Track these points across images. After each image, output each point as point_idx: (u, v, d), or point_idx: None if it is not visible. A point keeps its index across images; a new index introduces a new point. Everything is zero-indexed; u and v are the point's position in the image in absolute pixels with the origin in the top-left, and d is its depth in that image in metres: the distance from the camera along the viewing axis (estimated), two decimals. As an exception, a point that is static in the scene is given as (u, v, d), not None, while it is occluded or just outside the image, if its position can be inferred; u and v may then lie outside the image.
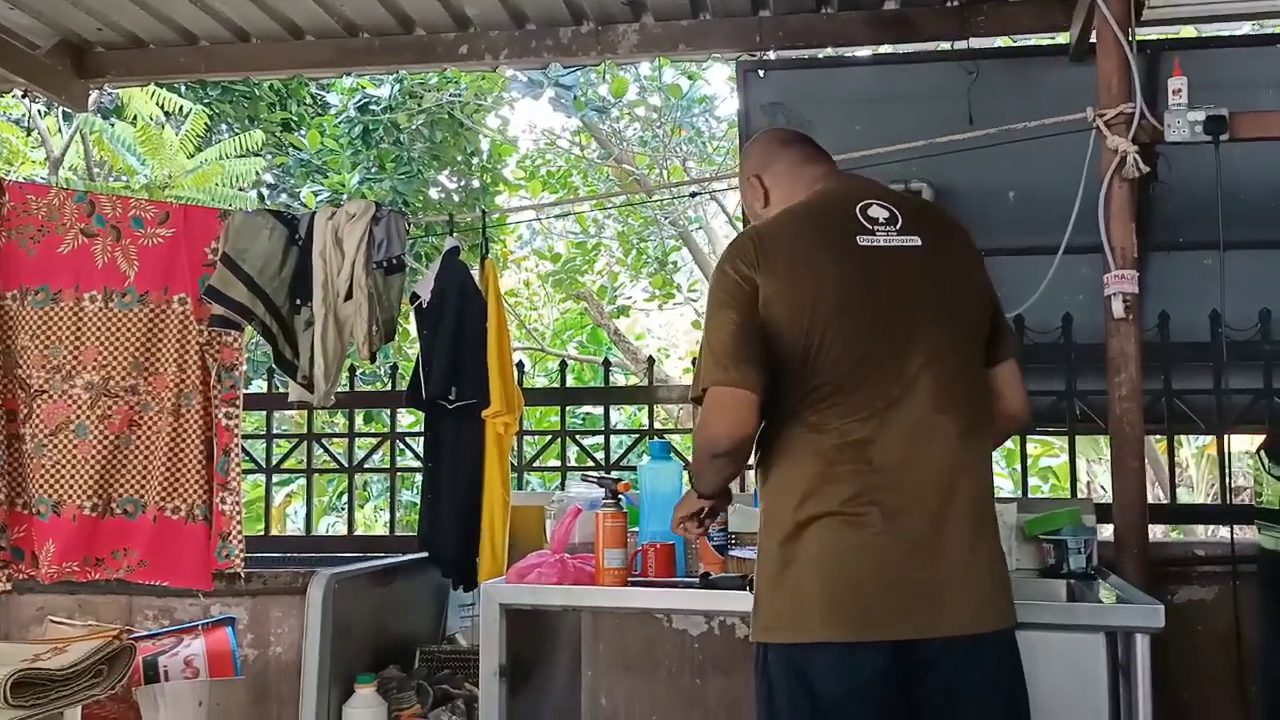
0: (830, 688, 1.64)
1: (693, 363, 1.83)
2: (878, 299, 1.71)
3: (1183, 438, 7.42)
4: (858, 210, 1.77)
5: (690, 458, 1.88)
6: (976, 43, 3.54)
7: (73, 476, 3.12)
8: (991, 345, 1.83)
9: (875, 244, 1.74)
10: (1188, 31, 3.84)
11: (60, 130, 8.57)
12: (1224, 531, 3.11)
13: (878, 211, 1.77)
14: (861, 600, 1.64)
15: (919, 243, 1.76)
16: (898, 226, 1.76)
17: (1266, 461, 2.78)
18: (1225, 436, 3.40)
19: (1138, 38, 2.84)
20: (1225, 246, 2.81)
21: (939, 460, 1.68)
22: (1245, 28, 4.77)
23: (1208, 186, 2.77)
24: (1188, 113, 2.72)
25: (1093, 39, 2.93)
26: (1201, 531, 5.93)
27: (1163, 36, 3.50)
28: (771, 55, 3.74)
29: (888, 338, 1.70)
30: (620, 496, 2.35)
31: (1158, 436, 3.97)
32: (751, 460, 1.84)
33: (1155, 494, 7.49)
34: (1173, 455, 3.58)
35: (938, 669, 1.65)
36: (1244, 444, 4.87)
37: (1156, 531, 5.90)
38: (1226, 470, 3.49)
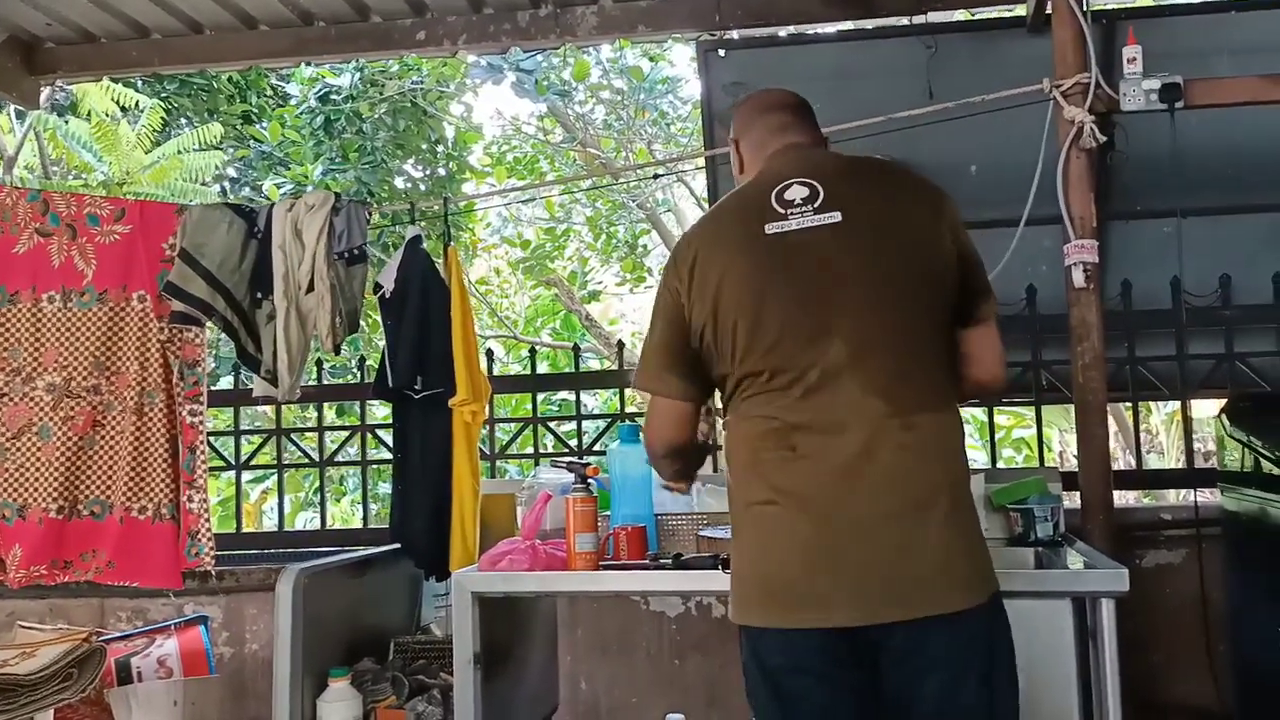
0: (780, 666, 1.67)
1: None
2: (786, 289, 1.68)
3: (1152, 404, 7.52)
4: (774, 194, 1.73)
5: None
6: (935, 17, 3.55)
7: (37, 479, 3.08)
8: (961, 307, 1.75)
9: (783, 229, 1.70)
10: (1143, 1, 3.86)
11: (13, 129, 8.42)
12: (1193, 496, 3.15)
13: (795, 192, 1.72)
14: (791, 588, 1.64)
15: (838, 218, 1.69)
16: (816, 204, 1.70)
17: (1228, 425, 2.82)
18: (1188, 402, 3.44)
19: (1092, 8, 2.85)
20: (1183, 214, 2.85)
21: (873, 445, 1.62)
22: (1201, -4, 4.79)
23: (1165, 154, 2.79)
24: (1142, 81, 2.74)
25: (1049, 10, 2.94)
26: (1173, 496, 6.01)
27: (1118, 6, 3.52)
28: (734, 35, 3.72)
29: (799, 324, 1.67)
30: (590, 481, 2.35)
31: (1125, 404, 4.02)
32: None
33: (1126, 460, 7.59)
34: (1137, 421, 3.63)
35: (886, 652, 1.63)
36: (1212, 408, 4.94)
37: (1129, 497, 5.97)
38: (1190, 435, 3.54)
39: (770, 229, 1.71)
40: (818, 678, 1.65)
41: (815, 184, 1.72)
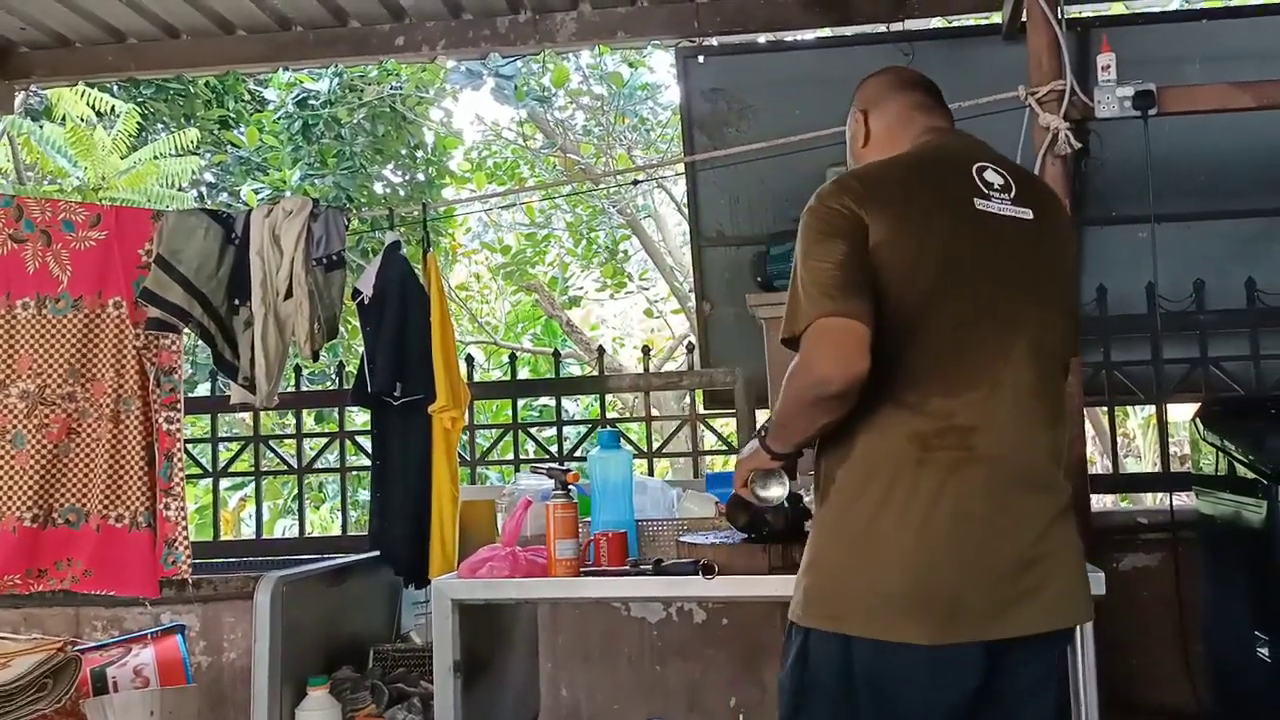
0: (907, 690, 1.52)
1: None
2: (987, 270, 1.58)
3: (1129, 409, 7.59)
4: (974, 171, 1.64)
5: (778, 405, 1.63)
6: (912, 24, 3.58)
7: (11, 487, 3.05)
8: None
9: (991, 210, 1.60)
10: (1117, 8, 3.91)
11: (-13, 134, 8.34)
12: (1168, 499, 3.18)
13: (993, 176, 1.64)
14: (951, 598, 1.50)
15: (1031, 215, 1.64)
16: (1012, 195, 1.64)
17: (1202, 429, 2.84)
18: (1164, 406, 3.47)
19: (1067, 15, 2.88)
20: (1158, 219, 2.87)
21: (1036, 450, 1.58)
22: (1174, 3, 4.86)
23: (1139, 161, 2.82)
24: (1117, 88, 2.76)
25: (1024, 18, 2.96)
26: (1150, 500, 6.06)
27: (1093, 14, 3.55)
28: (713, 41, 3.74)
29: (995, 312, 1.57)
30: (570, 487, 2.34)
31: (1102, 408, 4.05)
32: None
33: (1104, 464, 7.66)
34: (1114, 426, 3.66)
35: (1014, 664, 1.56)
36: (1187, 412, 4.99)
37: (1106, 501, 6.02)
38: (1166, 439, 3.58)
39: (979, 204, 1.60)
40: (952, 701, 1.53)
41: (1007, 175, 1.66)
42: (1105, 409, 3.79)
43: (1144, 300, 3.29)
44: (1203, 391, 3.33)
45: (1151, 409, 5.62)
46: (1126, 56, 2.82)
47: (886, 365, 1.52)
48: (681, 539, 2.39)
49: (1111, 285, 3.36)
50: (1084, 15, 3.47)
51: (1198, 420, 2.89)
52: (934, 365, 1.54)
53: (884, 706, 1.53)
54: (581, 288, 10.43)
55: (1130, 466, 8.47)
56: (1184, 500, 3.24)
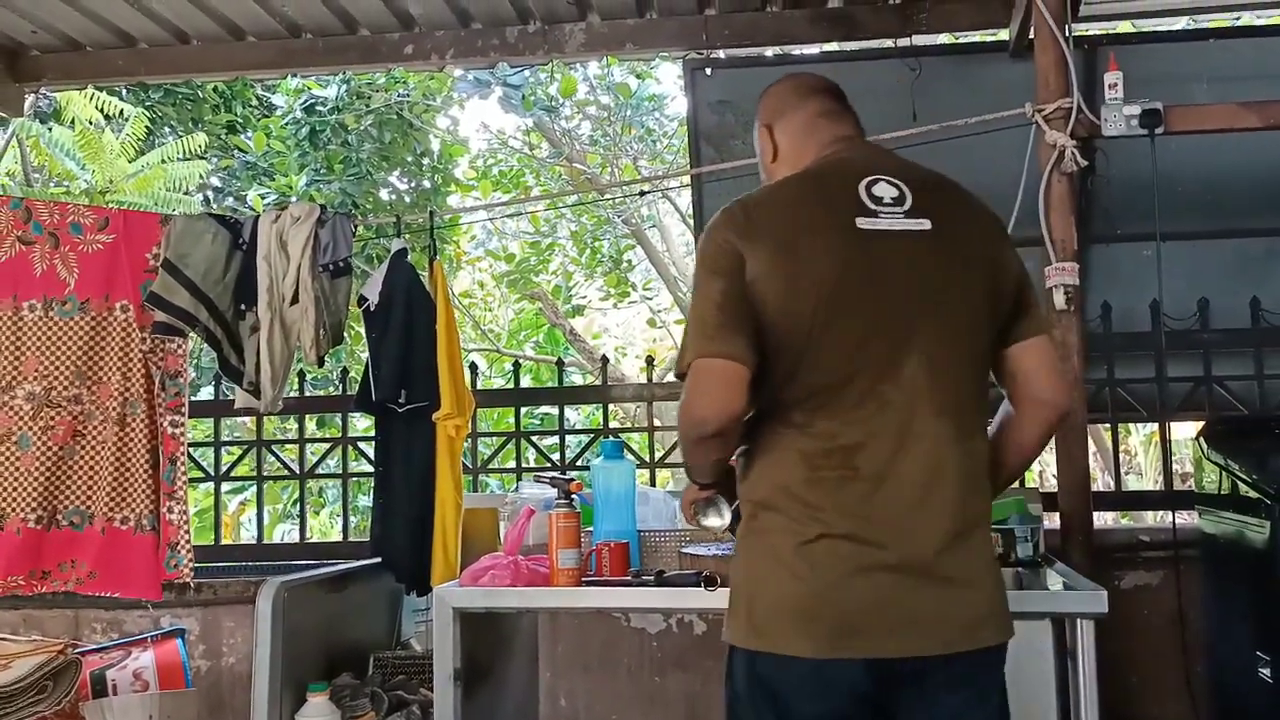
0: (800, 705, 1.53)
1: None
2: (874, 289, 1.55)
3: (1131, 426, 7.59)
4: (862, 187, 1.60)
5: (679, 443, 1.68)
6: (919, 40, 3.59)
7: (16, 489, 3.05)
8: (1014, 323, 1.65)
9: (876, 227, 1.57)
10: (1124, 27, 3.92)
11: (-4, 135, 8.37)
12: (1170, 517, 3.18)
13: (884, 189, 1.60)
14: (840, 616, 1.50)
15: (928, 226, 1.59)
16: (905, 207, 1.59)
17: (1205, 447, 2.84)
18: (1167, 424, 3.47)
19: (1075, 33, 2.89)
20: (1163, 238, 2.88)
21: (933, 467, 1.54)
22: (1180, 23, 4.88)
23: (1145, 179, 2.83)
24: (1124, 107, 2.78)
25: (1032, 35, 2.98)
26: (1150, 517, 6.06)
27: (1100, 32, 3.57)
28: (720, 54, 3.75)
29: (883, 333, 1.55)
30: (573, 496, 2.34)
31: (1104, 425, 4.05)
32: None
33: (1105, 481, 7.65)
34: (1116, 443, 3.67)
35: (922, 684, 1.53)
36: (1190, 430, 4.99)
37: (1107, 518, 6.01)
38: (1168, 457, 3.57)
39: (862, 223, 1.57)
40: (839, 713, 1.53)
41: (902, 186, 1.62)
42: (1107, 426, 3.79)
43: (1148, 318, 3.29)
44: (1206, 410, 3.32)
45: (1151, 427, 5.60)
46: (1133, 75, 2.83)
47: (778, 389, 1.57)
48: (684, 550, 2.39)
49: (1116, 302, 3.36)
50: (1091, 33, 3.48)
51: (1202, 439, 2.89)
52: (821, 388, 1.55)
53: (772, 714, 1.55)
54: (585, 297, 10.44)
55: (1131, 483, 8.45)
56: (1185, 519, 3.23)
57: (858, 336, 1.54)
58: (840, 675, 1.51)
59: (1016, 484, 3.68)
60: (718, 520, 1.83)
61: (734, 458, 1.70)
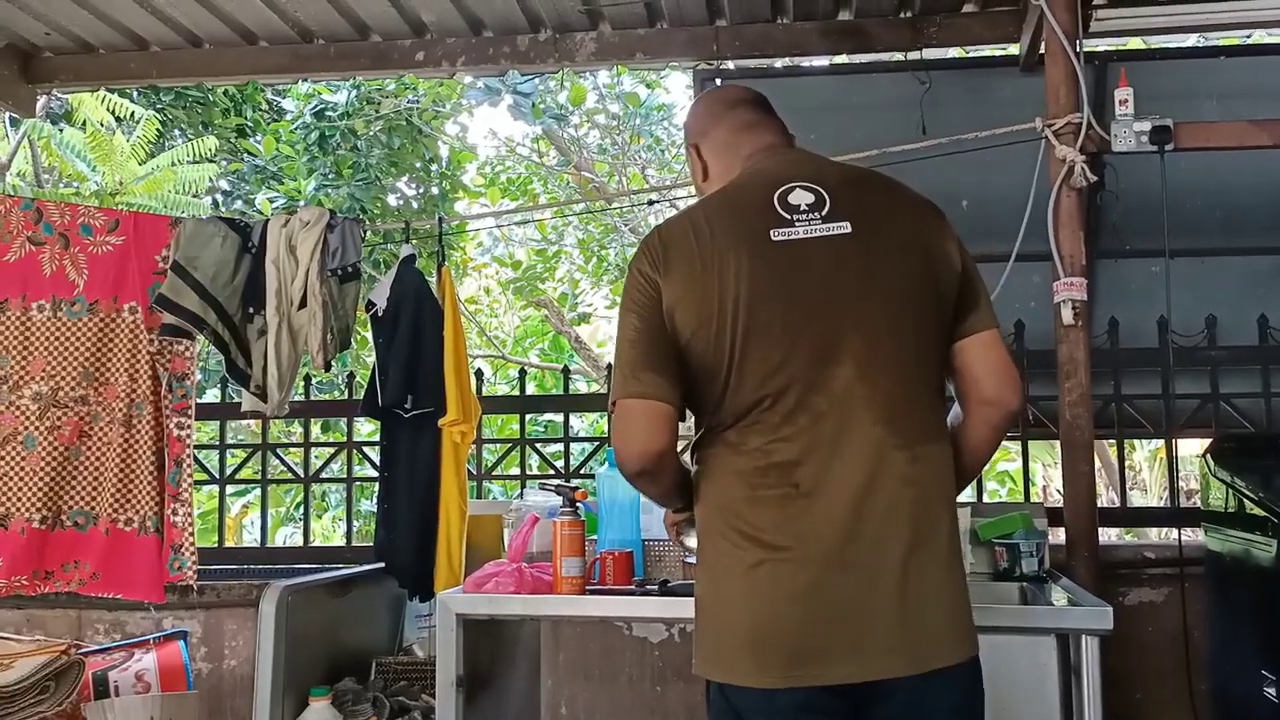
0: None
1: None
2: (794, 302, 1.50)
3: (1136, 441, 7.56)
4: (776, 198, 1.56)
5: None
6: (930, 53, 3.59)
7: (21, 488, 3.06)
8: (958, 318, 1.58)
9: (792, 237, 1.53)
10: (1135, 43, 3.92)
11: (7, 136, 8.40)
12: (1175, 534, 3.17)
13: (800, 197, 1.56)
14: (789, 642, 1.46)
15: (848, 229, 1.53)
16: (824, 212, 1.54)
17: (1212, 465, 2.84)
18: (1173, 440, 3.46)
19: (1085, 49, 2.89)
20: (1171, 254, 2.88)
21: (876, 479, 1.47)
22: (1190, 40, 4.88)
23: (1154, 195, 2.83)
24: (1134, 123, 2.78)
25: (1042, 50, 2.98)
26: (1154, 534, 6.04)
27: (1110, 48, 3.57)
28: (729, 64, 3.76)
29: (808, 345, 1.50)
30: (578, 504, 2.35)
31: (1109, 441, 4.04)
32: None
33: (1109, 497, 7.63)
34: (1122, 459, 3.65)
35: (883, 706, 1.47)
36: (1196, 447, 4.97)
37: (1110, 534, 5.99)
38: (1174, 473, 3.56)
39: (777, 235, 1.53)
40: None
41: (820, 190, 1.57)
42: (1112, 442, 3.78)
43: (1156, 334, 3.29)
44: (1213, 427, 3.31)
45: (1155, 443, 5.57)
46: (1143, 91, 2.83)
47: (711, 412, 1.55)
48: (687, 560, 2.39)
49: (1124, 318, 3.36)
50: (1101, 49, 3.48)
51: (1208, 456, 2.88)
52: (750, 406, 1.51)
53: None
54: (591, 304, 10.45)
55: (1135, 500, 8.43)
56: (1189, 535, 3.23)
57: (781, 352, 1.50)
58: (792, 702, 1.46)
59: (1022, 498, 3.69)
60: (696, 540, 1.82)
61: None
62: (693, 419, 1.63)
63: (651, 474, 1.58)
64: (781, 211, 1.55)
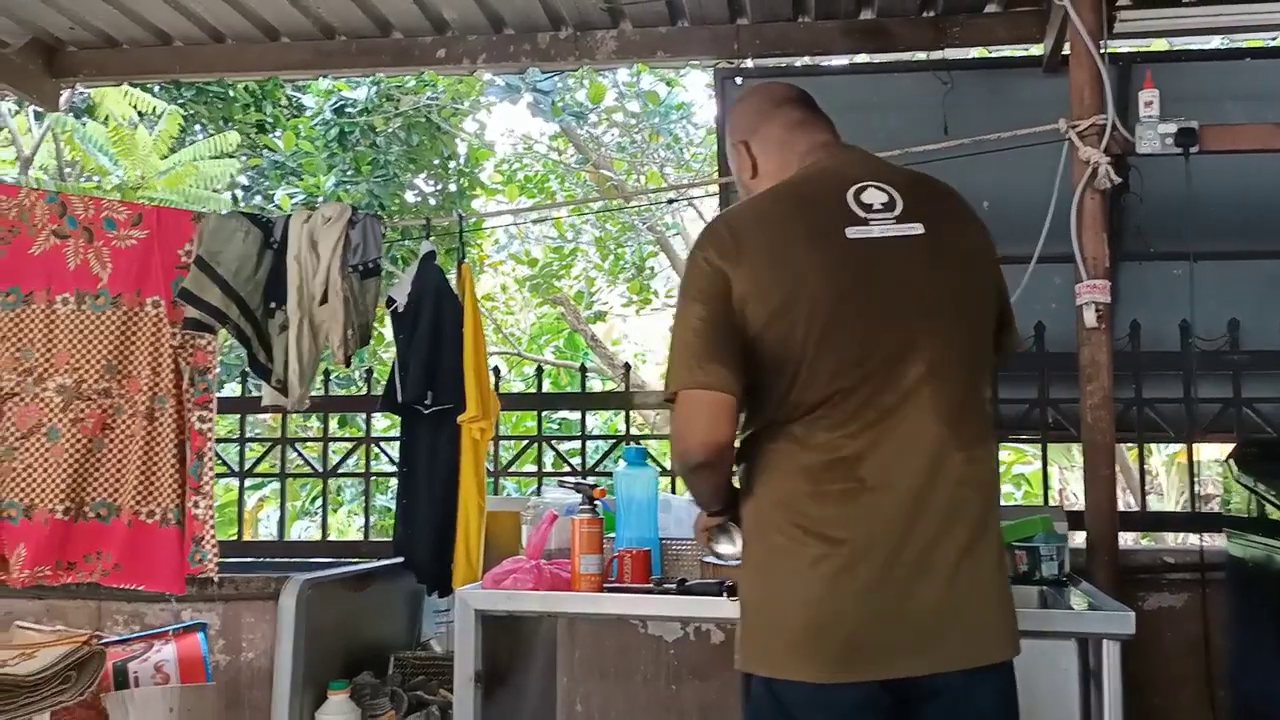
0: None
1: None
2: (871, 300, 1.52)
3: (1153, 446, 7.52)
4: (850, 195, 1.57)
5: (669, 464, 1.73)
6: (952, 53, 3.58)
7: (44, 480, 3.08)
8: (1000, 330, 1.66)
9: (868, 235, 1.54)
10: (1159, 45, 3.89)
11: (30, 129, 8.47)
12: (1194, 539, 3.15)
13: (873, 196, 1.57)
14: (849, 636, 1.47)
15: (921, 230, 1.55)
16: (896, 213, 1.56)
17: (1235, 470, 2.82)
18: (1194, 445, 3.44)
19: (1109, 50, 2.87)
20: (1195, 257, 2.86)
21: (939, 477, 1.50)
22: (1215, 42, 4.84)
23: (1178, 198, 2.81)
24: (1159, 125, 2.76)
25: (1066, 51, 2.96)
26: (1171, 539, 5.99)
27: (1135, 49, 3.55)
28: (749, 63, 3.75)
29: (883, 343, 1.51)
30: (596, 502, 2.35)
31: (1129, 445, 4.02)
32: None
33: (1126, 501, 7.58)
34: (1143, 463, 3.63)
35: (937, 701, 1.50)
36: (1213, 452, 4.94)
37: (1128, 539, 5.94)
38: (1194, 478, 3.54)
39: (852, 233, 1.53)
40: None
41: (891, 191, 1.58)
42: (1131, 445, 3.76)
43: (1178, 337, 3.27)
44: (1235, 432, 3.29)
45: (1174, 447, 5.54)
46: (1168, 93, 2.81)
47: (776, 405, 1.54)
48: (705, 559, 2.39)
49: (1146, 321, 3.33)
50: (1125, 50, 3.46)
51: (1232, 462, 2.86)
52: (820, 401, 1.51)
53: None
54: (607, 303, 10.45)
55: (1152, 504, 8.37)
56: (1208, 541, 3.20)
57: (856, 349, 1.51)
58: (848, 697, 1.47)
59: (1038, 501, 3.67)
60: (730, 548, 1.82)
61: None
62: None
63: (713, 466, 1.57)
64: (856, 210, 1.56)
